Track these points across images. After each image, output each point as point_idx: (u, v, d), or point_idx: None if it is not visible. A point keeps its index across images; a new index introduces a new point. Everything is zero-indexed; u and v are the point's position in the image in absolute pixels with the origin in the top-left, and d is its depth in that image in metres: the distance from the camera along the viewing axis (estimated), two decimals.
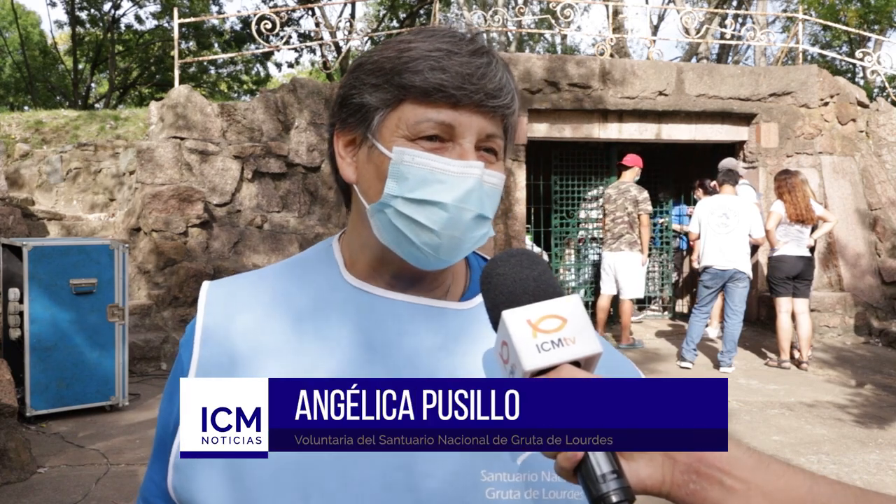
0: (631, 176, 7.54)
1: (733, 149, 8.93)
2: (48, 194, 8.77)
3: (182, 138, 7.47)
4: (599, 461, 0.61)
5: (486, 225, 0.82)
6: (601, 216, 7.71)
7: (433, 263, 0.82)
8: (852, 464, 4.36)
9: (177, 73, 8.68)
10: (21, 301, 4.83)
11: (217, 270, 6.99)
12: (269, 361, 0.81)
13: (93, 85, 23.78)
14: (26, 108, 21.08)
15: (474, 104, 0.78)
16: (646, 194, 7.46)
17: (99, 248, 5.14)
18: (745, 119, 8.72)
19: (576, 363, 0.65)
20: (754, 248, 6.94)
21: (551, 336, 0.65)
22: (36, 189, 8.81)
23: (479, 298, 0.84)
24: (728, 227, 6.49)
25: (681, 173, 10.13)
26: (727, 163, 7.80)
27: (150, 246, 7.01)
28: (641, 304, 9.61)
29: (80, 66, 21.43)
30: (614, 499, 0.60)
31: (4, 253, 5.08)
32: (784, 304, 6.67)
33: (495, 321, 0.70)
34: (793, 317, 6.71)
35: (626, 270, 7.37)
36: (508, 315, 0.66)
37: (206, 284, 0.89)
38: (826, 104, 8.83)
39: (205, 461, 0.77)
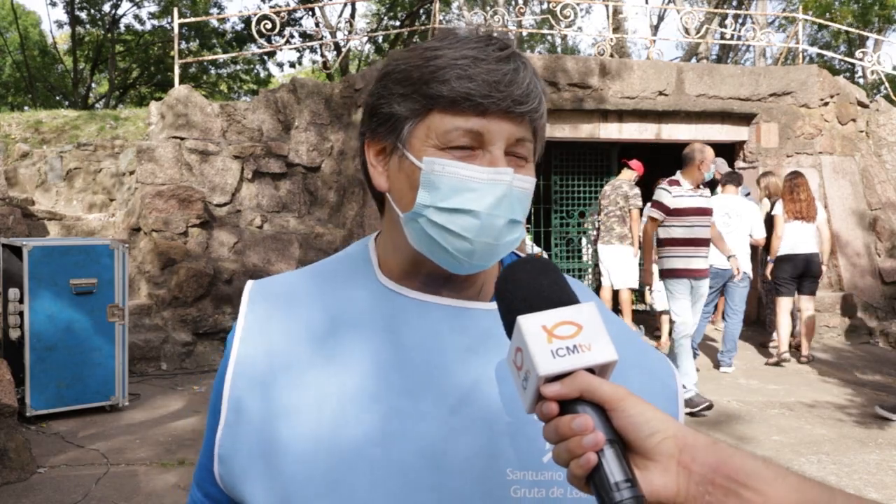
0: (627, 176, 7.84)
1: (733, 149, 8.92)
2: (48, 194, 8.76)
3: (182, 138, 7.47)
4: (613, 469, 0.60)
5: (519, 228, 0.83)
6: (597, 212, 7.97)
7: (467, 269, 0.83)
8: (852, 464, 4.35)
9: (177, 73, 8.67)
10: (21, 301, 4.83)
11: (217, 271, 6.99)
12: (303, 363, 0.83)
13: (93, 85, 23.77)
14: (26, 108, 21.06)
15: (502, 111, 0.79)
16: (637, 191, 7.73)
17: (99, 248, 5.13)
18: (745, 119, 8.72)
19: (591, 370, 0.65)
20: (753, 249, 6.96)
21: (567, 342, 0.64)
22: (35, 189, 8.81)
23: None
24: (730, 226, 6.50)
25: None
26: (718, 163, 7.82)
27: (150, 246, 7.01)
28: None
29: (80, 66, 21.42)
30: None
31: (4, 253, 5.08)
32: (785, 304, 6.67)
33: (510, 327, 0.69)
34: (792, 315, 6.72)
35: (617, 263, 7.68)
36: (524, 320, 0.66)
37: (249, 283, 0.92)
38: (826, 104, 8.82)
39: (244, 454, 0.80)
